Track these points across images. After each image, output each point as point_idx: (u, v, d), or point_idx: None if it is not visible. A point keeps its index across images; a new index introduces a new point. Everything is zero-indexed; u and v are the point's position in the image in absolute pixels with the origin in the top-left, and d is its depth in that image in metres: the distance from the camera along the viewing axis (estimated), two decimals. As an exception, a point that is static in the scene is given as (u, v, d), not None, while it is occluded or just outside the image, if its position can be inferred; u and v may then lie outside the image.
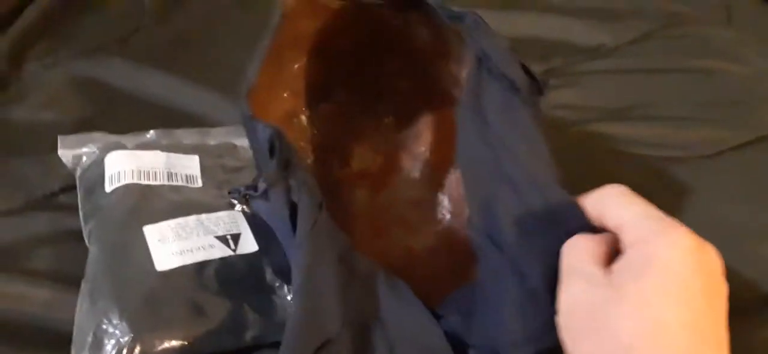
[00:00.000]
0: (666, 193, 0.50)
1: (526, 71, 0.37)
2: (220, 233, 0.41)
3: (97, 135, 0.47)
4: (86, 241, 0.41)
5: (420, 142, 0.47)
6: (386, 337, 0.33)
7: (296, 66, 0.44)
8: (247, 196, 0.36)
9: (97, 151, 0.45)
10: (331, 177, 0.45)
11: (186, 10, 0.68)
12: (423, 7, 0.40)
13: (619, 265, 0.28)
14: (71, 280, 0.40)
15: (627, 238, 0.29)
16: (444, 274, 0.41)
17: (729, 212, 0.48)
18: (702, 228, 0.29)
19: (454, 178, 0.46)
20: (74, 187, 0.45)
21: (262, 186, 0.34)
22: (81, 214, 0.43)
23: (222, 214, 0.42)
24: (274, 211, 0.34)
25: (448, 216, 0.46)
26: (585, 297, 0.28)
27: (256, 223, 0.41)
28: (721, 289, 0.28)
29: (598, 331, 0.27)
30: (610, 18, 0.70)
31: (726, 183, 0.51)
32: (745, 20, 0.71)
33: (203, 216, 0.41)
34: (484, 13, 0.46)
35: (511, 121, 0.36)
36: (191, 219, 0.41)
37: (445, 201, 0.46)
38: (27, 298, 0.40)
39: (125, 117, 0.55)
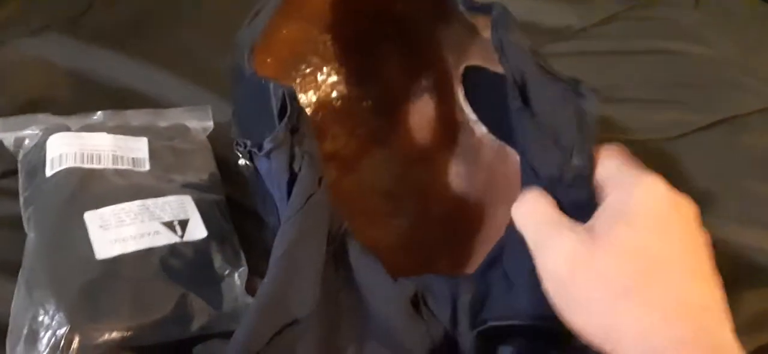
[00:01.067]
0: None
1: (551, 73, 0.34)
2: (167, 219, 0.39)
3: (41, 116, 0.45)
4: (25, 227, 0.39)
5: (398, 132, 0.47)
6: (356, 327, 0.32)
7: (284, 31, 0.43)
8: (252, 153, 0.34)
9: (40, 134, 0.43)
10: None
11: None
12: None
13: (597, 214, 0.28)
14: (8, 269, 0.38)
15: (605, 192, 0.29)
16: (409, 268, 0.38)
17: (691, 194, 0.48)
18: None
19: (424, 172, 0.46)
20: (16, 172, 0.43)
21: (267, 145, 0.33)
22: (21, 199, 0.41)
23: (169, 199, 0.40)
24: (274, 173, 0.33)
25: (413, 212, 0.45)
26: (569, 253, 0.27)
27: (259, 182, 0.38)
28: (700, 233, 0.27)
29: (591, 282, 0.27)
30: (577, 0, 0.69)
31: (689, 164, 0.51)
32: (713, 2, 0.71)
33: (149, 201, 0.39)
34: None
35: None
36: (135, 204, 0.39)
37: (412, 198, 0.45)
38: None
39: (73, 98, 0.53)
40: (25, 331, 0.34)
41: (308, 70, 0.46)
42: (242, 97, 0.40)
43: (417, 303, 0.33)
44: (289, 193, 0.32)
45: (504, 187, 0.40)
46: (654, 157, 0.50)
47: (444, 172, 0.46)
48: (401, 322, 0.33)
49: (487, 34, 0.37)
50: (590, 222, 0.28)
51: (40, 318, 0.33)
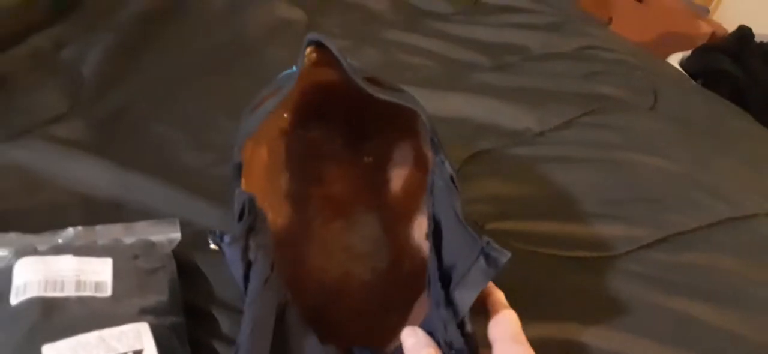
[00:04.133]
0: (568, 295, 0.52)
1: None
2: (122, 350, 0.41)
3: (12, 236, 0.47)
4: (-13, 354, 0.41)
5: (386, 190, 0.54)
6: None
7: (283, 117, 0.53)
8: (219, 241, 0.41)
9: (9, 256, 0.46)
10: (302, 189, 0.54)
11: (126, 87, 0.69)
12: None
13: None
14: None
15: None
16: (372, 308, 0.49)
17: (631, 309, 0.50)
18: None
19: (403, 231, 0.52)
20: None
21: (226, 239, 0.40)
22: (-14, 324, 0.43)
23: (126, 329, 0.42)
24: (233, 260, 0.40)
25: (388, 260, 0.52)
26: None
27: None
28: None
29: None
30: (538, 101, 0.73)
31: (631, 283, 0.53)
32: (671, 106, 0.74)
33: (105, 332, 0.42)
34: (419, 92, 0.54)
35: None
36: (92, 336, 0.41)
37: (390, 247, 0.52)
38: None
39: (48, 207, 0.55)
40: None
41: (316, 122, 0.55)
42: (230, 179, 0.47)
43: None
44: (245, 276, 0.39)
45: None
46: (594, 277, 0.53)
47: (420, 236, 0.52)
48: None
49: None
50: None
51: None
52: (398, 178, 0.55)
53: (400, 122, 0.52)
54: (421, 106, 0.46)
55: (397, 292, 0.50)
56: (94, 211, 0.55)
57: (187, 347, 0.44)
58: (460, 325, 0.38)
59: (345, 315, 0.50)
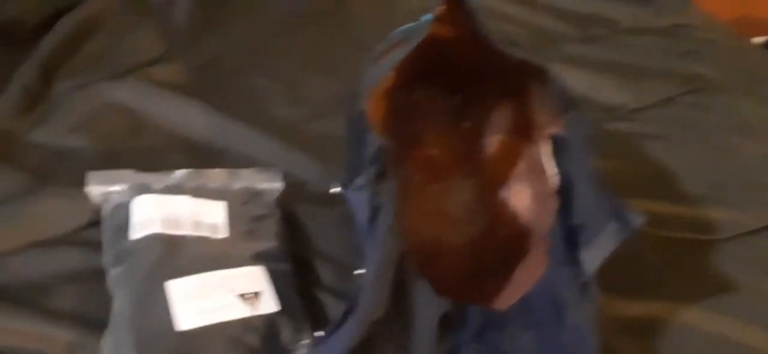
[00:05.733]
0: (672, 275, 0.51)
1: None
2: (241, 291, 0.41)
3: (126, 173, 0.48)
4: (109, 286, 0.42)
5: (485, 157, 0.53)
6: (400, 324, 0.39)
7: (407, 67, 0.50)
8: (343, 186, 0.42)
9: (125, 191, 0.46)
10: (401, 149, 0.52)
11: (219, 35, 0.69)
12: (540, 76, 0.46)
13: None
14: (94, 323, 0.41)
15: None
16: (463, 274, 0.48)
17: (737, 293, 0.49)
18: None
19: (499, 198, 0.52)
20: (99, 223, 0.46)
21: (357, 182, 0.40)
22: (107, 256, 0.44)
23: (244, 271, 0.43)
24: (360, 205, 0.41)
25: (482, 227, 0.51)
26: None
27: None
28: None
29: None
30: (633, 76, 0.71)
31: (737, 268, 0.52)
32: (768, 89, 0.72)
33: (226, 272, 0.42)
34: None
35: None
36: (214, 275, 0.42)
37: (485, 214, 0.51)
38: (51, 338, 0.41)
39: (151, 147, 0.56)
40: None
41: (421, 83, 0.53)
42: (349, 126, 0.47)
43: (446, 321, 0.39)
44: (371, 221, 0.39)
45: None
46: (706, 259, 0.52)
47: (518, 203, 0.51)
48: (429, 330, 0.39)
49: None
50: None
51: (127, 385, 0.36)
52: (496, 144, 0.54)
53: (509, 86, 0.51)
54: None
55: (491, 259, 0.50)
56: (195, 155, 0.56)
57: (296, 295, 0.45)
58: (584, 286, 0.38)
59: (436, 280, 0.50)
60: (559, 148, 0.44)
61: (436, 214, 0.53)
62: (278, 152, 0.57)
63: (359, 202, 0.40)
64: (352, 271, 0.48)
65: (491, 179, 0.53)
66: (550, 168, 0.48)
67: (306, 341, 0.42)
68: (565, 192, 0.41)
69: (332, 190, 0.43)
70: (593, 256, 0.37)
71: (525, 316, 0.40)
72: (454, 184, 0.53)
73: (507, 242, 0.51)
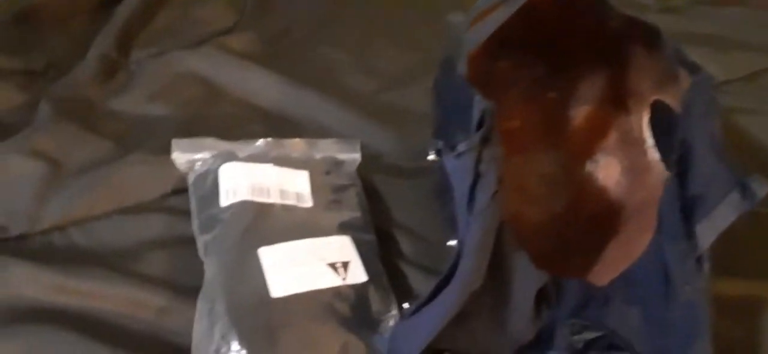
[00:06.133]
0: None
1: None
2: (331, 260, 0.41)
3: (209, 140, 0.48)
4: (201, 252, 0.42)
5: (573, 127, 0.51)
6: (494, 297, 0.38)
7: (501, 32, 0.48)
8: (442, 151, 0.41)
9: (211, 159, 0.46)
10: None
11: (289, 6, 0.68)
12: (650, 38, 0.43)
13: None
14: (185, 289, 0.41)
15: None
16: (546, 250, 0.44)
17: None
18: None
19: (584, 172, 0.50)
20: (185, 190, 0.46)
21: (460, 147, 0.38)
22: (196, 222, 0.43)
23: (332, 240, 0.42)
24: (461, 171, 0.39)
25: (565, 202, 0.49)
26: None
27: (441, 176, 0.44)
28: None
29: None
30: (719, 47, 0.67)
31: None
32: None
33: (315, 240, 0.41)
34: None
35: None
36: (303, 243, 0.41)
37: (569, 188, 0.49)
38: (142, 303, 0.41)
39: (228, 116, 0.56)
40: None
41: (508, 57, 0.51)
42: (446, 90, 0.45)
43: (542, 295, 0.37)
44: (472, 188, 0.37)
45: (653, 215, 0.42)
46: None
47: (606, 177, 0.49)
48: (526, 304, 0.37)
49: (686, 85, 0.41)
50: None
51: (224, 351, 0.36)
52: (583, 116, 0.52)
53: (604, 53, 0.48)
54: None
55: (575, 237, 0.48)
56: (271, 124, 0.55)
57: (381, 266, 0.44)
58: (698, 261, 0.36)
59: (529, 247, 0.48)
60: (666, 116, 0.42)
61: (516, 190, 0.50)
62: (353, 123, 0.56)
63: (461, 168, 0.38)
64: (432, 243, 0.47)
65: (576, 152, 0.51)
66: (649, 139, 0.46)
67: (393, 312, 0.41)
68: (680, 162, 0.38)
69: (430, 158, 0.41)
70: (709, 230, 0.35)
71: (629, 292, 0.38)
72: (537, 157, 0.52)
73: (593, 218, 0.49)
